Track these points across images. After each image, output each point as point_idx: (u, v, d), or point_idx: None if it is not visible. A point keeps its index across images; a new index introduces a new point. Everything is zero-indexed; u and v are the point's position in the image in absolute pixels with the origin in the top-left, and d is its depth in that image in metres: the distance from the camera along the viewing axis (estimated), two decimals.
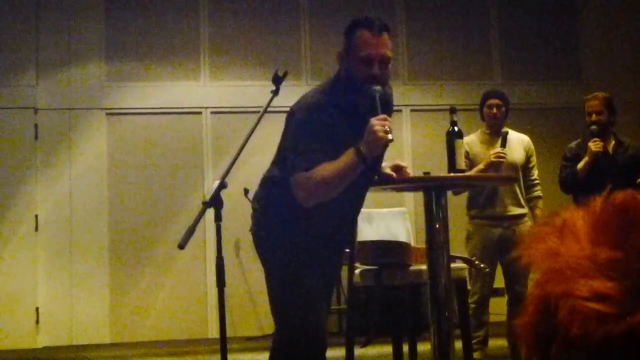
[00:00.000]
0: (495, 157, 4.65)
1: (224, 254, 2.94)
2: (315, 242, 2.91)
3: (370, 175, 3.03)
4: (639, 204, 0.75)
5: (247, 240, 6.55)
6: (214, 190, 2.83)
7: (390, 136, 2.72)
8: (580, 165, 4.95)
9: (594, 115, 5.00)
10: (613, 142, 5.04)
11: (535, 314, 0.74)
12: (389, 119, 2.78)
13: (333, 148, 2.76)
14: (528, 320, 0.75)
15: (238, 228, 6.36)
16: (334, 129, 2.77)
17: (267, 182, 2.98)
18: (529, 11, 7.21)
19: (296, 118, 2.83)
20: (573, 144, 5.15)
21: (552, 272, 0.74)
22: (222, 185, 2.81)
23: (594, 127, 4.95)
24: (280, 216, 2.90)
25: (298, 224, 2.88)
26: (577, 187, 5.00)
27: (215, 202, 2.82)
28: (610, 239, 0.73)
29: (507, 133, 4.78)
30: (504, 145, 4.70)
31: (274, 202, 2.93)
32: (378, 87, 2.79)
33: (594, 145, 4.86)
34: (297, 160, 2.74)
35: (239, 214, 6.20)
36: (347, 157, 2.74)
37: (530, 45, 7.20)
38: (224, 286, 2.86)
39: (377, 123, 2.72)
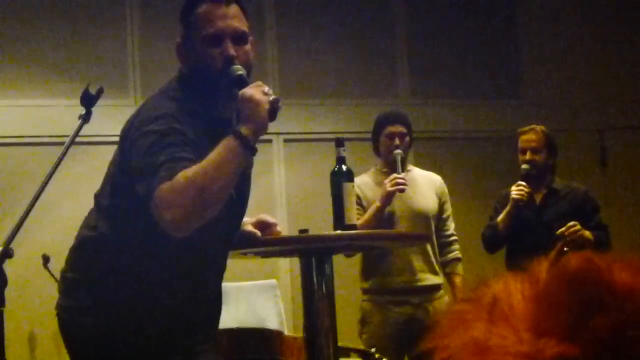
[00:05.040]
0: (393, 186, 4.76)
1: (12, 353, 2.86)
2: (156, 328, 2.86)
3: (235, 213, 3.00)
4: (599, 273, 0.74)
5: (48, 331, 6.39)
6: None
7: (272, 95, 2.72)
8: (500, 216, 5.18)
9: (528, 154, 5.22)
10: (545, 191, 5.25)
11: None
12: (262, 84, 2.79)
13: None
14: None
15: (32, 313, 6.18)
16: (195, 144, 2.74)
17: (86, 240, 2.93)
18: (443, 8, 7.46)
19: (138, 135, 2.75)
20: (503, 191, 5.34)
21: None
22: (7, 254, 2.75)
23: (525, 166, 5.18)
24: (104, 289, 2.85)
25: (129, 298, 2.84)
26: (499, 245, 5.23)
27: None
28: (559, 325, 0.71)
29: (399, 154, 4.91)
30: (401, 170, 4.86)
31: (95, 268, 2.88)
32: (239, 68, 2.80)
33: (516, 190, 5.08)
34: (154, 178, 2.61)
35: (33, 293, 6.04)
36: (222, 144, 2.67)
37: (450, 54, 7.43)
38: None
39: (251, 89, 2.72)
